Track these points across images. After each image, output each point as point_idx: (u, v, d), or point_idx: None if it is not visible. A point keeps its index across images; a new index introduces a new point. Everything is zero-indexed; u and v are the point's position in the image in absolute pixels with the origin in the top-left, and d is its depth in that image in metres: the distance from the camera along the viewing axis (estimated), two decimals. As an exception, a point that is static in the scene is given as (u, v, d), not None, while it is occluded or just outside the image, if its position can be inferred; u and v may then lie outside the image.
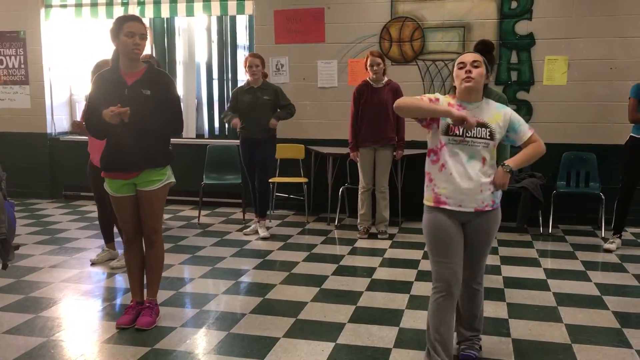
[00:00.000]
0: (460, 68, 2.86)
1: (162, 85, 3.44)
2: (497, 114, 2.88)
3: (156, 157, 3.46)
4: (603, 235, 5.72)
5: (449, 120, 2.79)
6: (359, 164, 5.72)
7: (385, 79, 5.58)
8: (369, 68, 5.49)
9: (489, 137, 2.81)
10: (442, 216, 2.85)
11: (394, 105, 2.86)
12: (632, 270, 4.71)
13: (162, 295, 3.97)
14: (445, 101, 2.85)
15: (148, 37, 3.43)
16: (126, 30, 3.28)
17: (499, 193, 2.91)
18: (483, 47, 4.20)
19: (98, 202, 4.81)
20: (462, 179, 2.79)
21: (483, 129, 2.82)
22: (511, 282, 4.39)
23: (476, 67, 2.83)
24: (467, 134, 2.79)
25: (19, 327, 3.51)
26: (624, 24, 5.91)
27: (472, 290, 3.06)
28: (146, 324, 3.50)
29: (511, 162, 2.86)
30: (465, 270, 2.97)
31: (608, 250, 5.26)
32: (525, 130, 2.89)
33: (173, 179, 3.62)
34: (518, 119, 2.91)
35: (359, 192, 5.80)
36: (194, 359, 3.15)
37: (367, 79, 5.58)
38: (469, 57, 2.88)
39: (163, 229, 3.73)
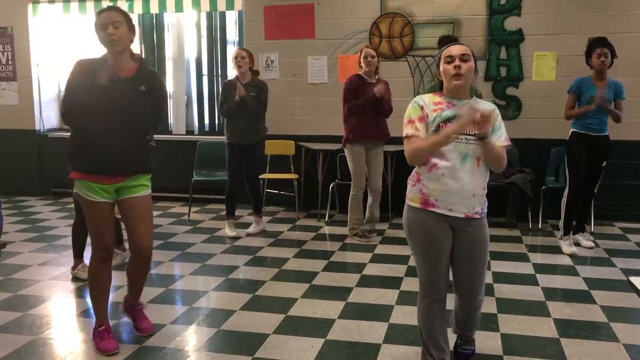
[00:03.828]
0: (448, 62, 2.60)
1: (156, 82, 3.20)
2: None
3: (146, 163, 3.20)
4: (592, 230, 5.74)
5: (438, 119, 2.60)
6: (352, 163, 5.39)
7: (377, 76, 5.40)
8: (362, 60, 5.26)
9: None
10: (429, 220, 2.66)
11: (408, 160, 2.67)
12: (619, 264, 4.74)
13: (153, 292, 3.97)
14: (430, 101, 2.65)
15: (135, 27, 3.10)
16: (99, 23, 3.01)
17: (486, 203, 2.74)
18: (446, 42, 3.96)
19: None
20: (455, 180, 2.59)
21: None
22: (500, 277, 4.41)
23: (465, 60, 2.59)
24: (462, 132, 2.56)
25: (7, 325, 3.49)
26: (612, 20, 5.93)
27: (473, 307, 2.87)
28: (151, 328, 3.40)
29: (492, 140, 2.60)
30: (465, 285, 2.80)
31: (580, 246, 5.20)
32: (501, 138, 2.66)
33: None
34: (501, 122, 2.72)
35: (352, 195, 5.44)
36: (184, 356, 3.15)
37: (360, 73, 5.35)
38: (456, 50, 2.62)
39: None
